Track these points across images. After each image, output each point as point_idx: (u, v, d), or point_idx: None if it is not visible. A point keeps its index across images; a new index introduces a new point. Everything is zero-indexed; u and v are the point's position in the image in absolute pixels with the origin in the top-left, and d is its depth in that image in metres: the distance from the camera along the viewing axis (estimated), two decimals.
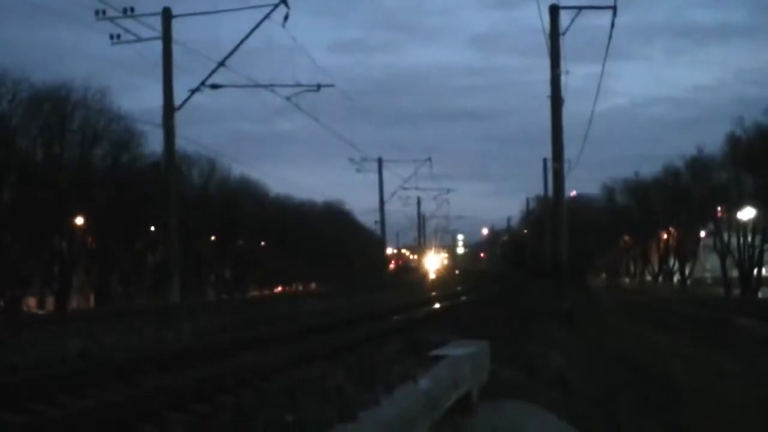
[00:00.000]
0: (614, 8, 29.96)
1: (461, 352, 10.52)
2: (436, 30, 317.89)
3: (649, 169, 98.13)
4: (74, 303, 47.70)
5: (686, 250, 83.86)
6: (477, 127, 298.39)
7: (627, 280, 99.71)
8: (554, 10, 31.04)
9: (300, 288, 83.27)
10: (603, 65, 44.17)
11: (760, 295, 66.92)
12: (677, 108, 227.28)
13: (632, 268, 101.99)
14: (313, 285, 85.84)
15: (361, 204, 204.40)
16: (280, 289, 74.25)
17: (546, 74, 31.21)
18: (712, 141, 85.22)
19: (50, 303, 45.72)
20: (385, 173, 70.32)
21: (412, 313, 23.91)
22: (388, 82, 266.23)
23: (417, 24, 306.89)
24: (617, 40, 31.51)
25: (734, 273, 72.12)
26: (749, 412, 15.75)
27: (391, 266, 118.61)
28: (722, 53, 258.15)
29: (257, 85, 32.98)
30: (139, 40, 29.77)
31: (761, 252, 68.46)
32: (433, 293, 46.79)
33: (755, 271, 69.58)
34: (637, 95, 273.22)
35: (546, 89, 31.28)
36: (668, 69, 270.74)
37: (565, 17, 31.08)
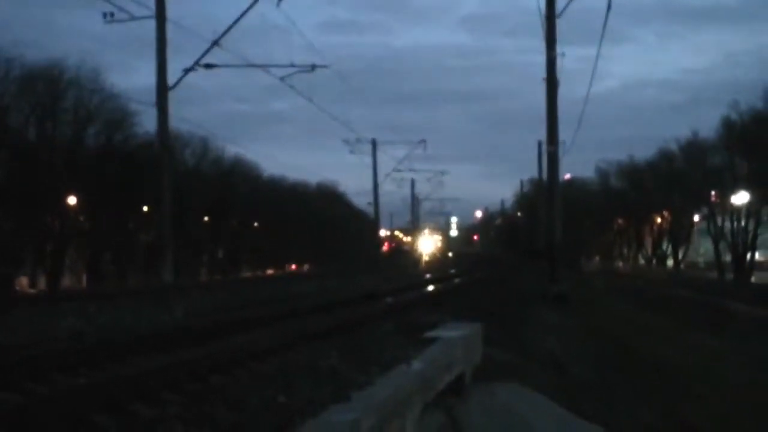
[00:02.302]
0: None
1: (454, 334, 10.53)
2: (427, 10, 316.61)
3: (641, 152, 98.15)
4: (66, 282, 47.66)
5: (680, 234, 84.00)
6: (470, 108, 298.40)
7: (620, 263, 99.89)
8: None
9: (293, 269, 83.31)
10: (598, 48, 44.08)
11: (753, 279, 67.10)
12: (669, 91, 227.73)
13: (626, 251, 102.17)
14: (306, 266, 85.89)
15: (354, 185, 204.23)
16: (271, 271, 74.23)
17: (539, 56, 31.10)
18: (704, 124, 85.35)
19: (42, 282, 45.66)
20: (379, 155, 70.16)
21: (406, 295, 23.90)
22: (380, 62, 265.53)
23: (407, 4, 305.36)
24: (609, 22, 31.55)
25: (727, 257, 72.28)
26: (741, 394, 15.81)
27: (385, 248, 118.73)
28: (714, 36, 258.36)
29: (252, 65, 32.85)
30: (132, 18, 29.56)
31: (754, 236, 68.58)
32: (427, 275, 46.79)
33: (748, 256, 69.74)
34: (628, 78, 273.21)
35: (540, 71, 31.18)
36: (660, 52, 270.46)
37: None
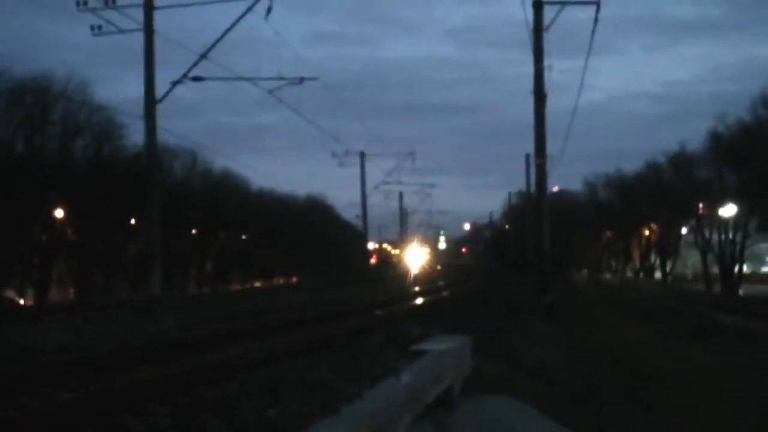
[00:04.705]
0: (597, 4, 30.10)
1: (443, 347, 10.53)
2: (412, 23, 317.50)
3: (629, 164, 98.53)
4: (54, 295, 47.40)
5: (668, 246, 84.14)
6: (458, 120, 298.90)
7: (609, 275, 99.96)
8: (538, 6, 31.03)
9: (281, 281, 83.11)
10: (586, 61, 44.27)
11: (741, 292, 67.07)
12: (654, 103, 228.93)
13: (614, 263, 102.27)
14: (294, 279, 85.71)
15: (343, 198, 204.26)
16: (258, 284, 74.02)
17: (526, 68, 31.27)
18: (689, 136, 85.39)
19: (30, 296, 45.42)
20: (368, 167, 70.27)
21: (395, 307, 23.89)
22: (366, 75, 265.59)
23: (392, 17, 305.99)
24: (595, 34, 31.72)
25: (715, 269, 72.32)
26: (732, 403, 15.83)
27: (373, 260, 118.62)
28: (699, 48, 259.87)
29: (240, 78, 32.90)
30: (120, 31, 29.58)
31: (742, 248, 68.68)
32: (416, 288, 46.78)
33: (736, 268, 69.78)
34: (614, 90, 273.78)
35: (527, 83, 31.32)
36: (646, 64, 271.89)
37: (547, 12, 31.10)
